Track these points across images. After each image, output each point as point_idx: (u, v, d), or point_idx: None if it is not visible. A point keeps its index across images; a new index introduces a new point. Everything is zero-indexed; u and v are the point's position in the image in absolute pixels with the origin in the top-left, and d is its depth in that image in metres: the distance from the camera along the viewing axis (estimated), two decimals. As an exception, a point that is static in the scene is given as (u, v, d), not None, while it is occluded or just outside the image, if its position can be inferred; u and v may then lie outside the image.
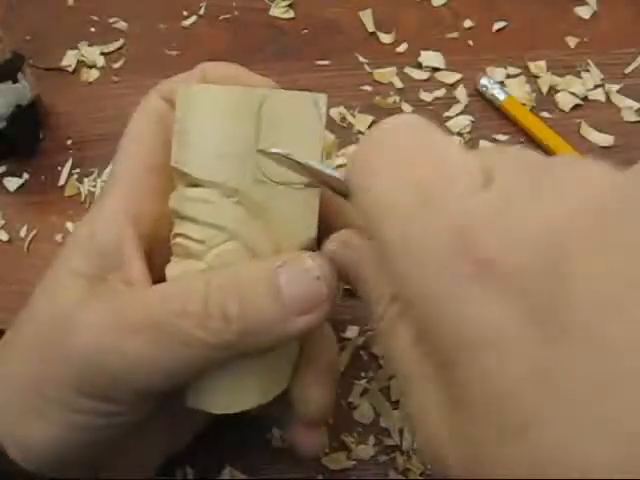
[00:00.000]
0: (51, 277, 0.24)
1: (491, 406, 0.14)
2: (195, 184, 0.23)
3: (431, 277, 0.16)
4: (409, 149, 0.18)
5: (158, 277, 0.24)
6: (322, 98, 0.23)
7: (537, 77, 0.45)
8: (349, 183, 0.20)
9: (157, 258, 0.24)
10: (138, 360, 0.21)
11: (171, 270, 0.23)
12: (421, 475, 0.32)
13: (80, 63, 0.47)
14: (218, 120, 0.23)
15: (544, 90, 0.44)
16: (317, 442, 0.27)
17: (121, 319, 0.21)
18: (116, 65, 0.47)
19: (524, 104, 0.44)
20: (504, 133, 0.43)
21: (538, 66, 0.45)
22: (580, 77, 0.45)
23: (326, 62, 0.46)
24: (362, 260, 0.21)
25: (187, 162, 0.23)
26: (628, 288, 0.13)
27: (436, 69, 0.46)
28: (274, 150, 0.22)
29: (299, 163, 0.22)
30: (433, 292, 0.15)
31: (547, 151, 0.41)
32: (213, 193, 0.23)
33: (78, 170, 0.43)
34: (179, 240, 0.23)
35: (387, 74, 0.45)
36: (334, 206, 0.25)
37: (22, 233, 0.40)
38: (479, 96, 0.45)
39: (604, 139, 0.42)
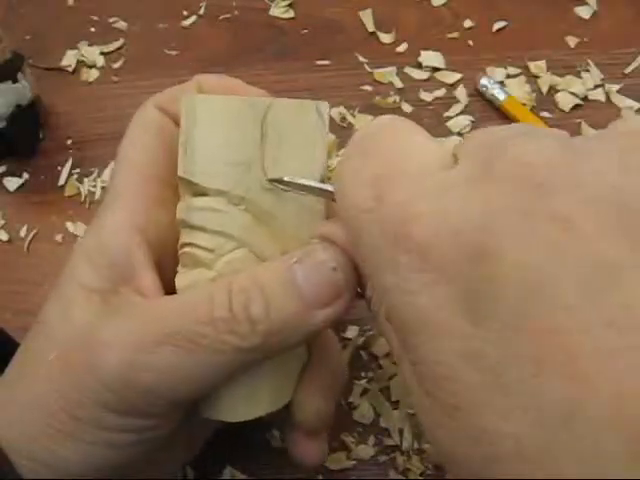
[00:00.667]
0: (63, 293, 0.24)
1: (435, 387, 0.15)
2: (202, 193, 0.23)
3: (379, 268, 0.17)
4: (372, 150, 0.19)
5: (167, 288, 0.24)
6: (324, 105, 0.24)
7: (537, 77, 0.45)
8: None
9: (164, 269, 0.24)
10: (169, 372, 0.21)
11: (181, 280, 0.24)
12: (421, 475, 0.32)
13: (80, 63, 0.47)
14: (224, 129, 0.23)
15: (544, 90, 0.44)
16: (317, 451, 0.27)
17: (146, 333, 0.21)
18: (116, 65, 0.47)
19: (524, 104, 0.44)
20: (504, 133, 0.43)
21: (538, 66, 0.45)
22: (580, 77, 0.45)
23: (326, 62, 0.46)
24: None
25: (194, 172, 0.23)
26: (549, 263, 0.13)
27: (436, 69, 0.46)
28: (277, 177, 0.23)
29: (306, 185, 0.23)
30: (384, 283, 0.17)
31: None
32: (220, 201, 0.23)
33: (78, 170, 0.43)
34: (187, 250, 0.23)
35: (387, 74, 0.45)
36: None
37: (22, 233, 0.40)
38: (479, 96, 0.45)
39: (604, 139, 0.42)
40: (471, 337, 0.14)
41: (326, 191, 0.22)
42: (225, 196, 0.23)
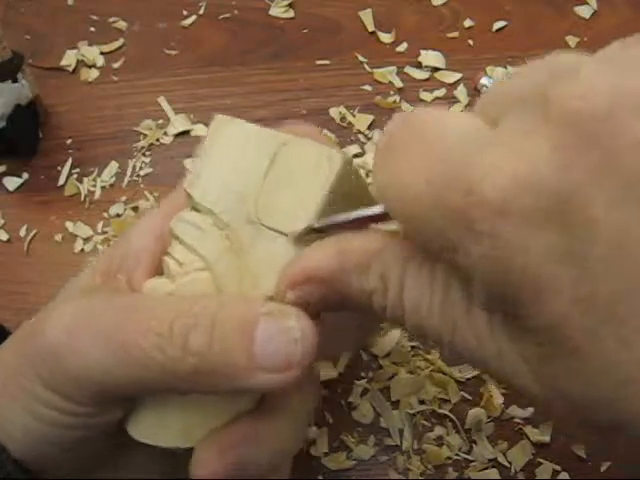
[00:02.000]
0: (76, 276, 0.25)
1: (547, 337, 0.15)
2: (196, 209, 0.23)
3: (459, 246, 0.16)
4: (415, 142, 0.18)
5: None
6: (337, 157, 0.22)
7: (537, 77, 0.45)
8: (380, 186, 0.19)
9: None
10: (94, 367, 0.21)
11: (146, 285, 0.24)
12: (421, 475, 0.32)
13: (80, 63, 0.47)
14: (235, 154, 0.23)
15: (544, 90, 0.44)
16: None
17: (88, 322, 0.21)
18: (116, 65, 0.47)
19: (524, 104, 0.44)
20: (504, 133, 0.43)
21: (538, 66, 0.45)
22: (580, 77, 0.45)
23: (326, 62, 0.46)
24: (335, 274, 0.20)
25: (195, 185, 0.23)
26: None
27: (436, 69, 0.46)
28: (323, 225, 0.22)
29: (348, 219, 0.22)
30: (471, 258, 0.16)
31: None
32: (206, 221, 0.23)
33: (78, 170, 0.43)
34: (165, 258, 0.24)
35: (387, 74, 0.45)
36: None
37: (22, 233, 0.40)
38: (479, 96, 0.44)
39: (604, 139, 0.42)
40: (577, 283, 0.14)
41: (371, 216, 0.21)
42: (213, 217, 0.23)
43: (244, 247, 0.23)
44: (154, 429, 0.24)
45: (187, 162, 0.43)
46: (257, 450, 0.23)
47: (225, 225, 0.23)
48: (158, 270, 0.24)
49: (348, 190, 0.23)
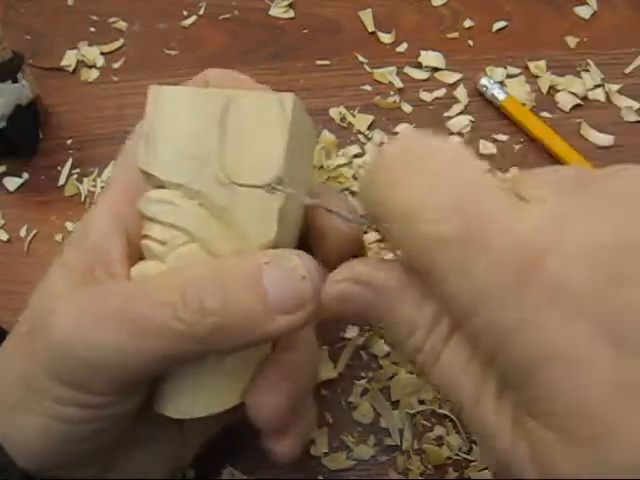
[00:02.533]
0: (48, 274, 0.25)
1: (569, 420, 0.15)
2: (161, 185, 0.23)
3: (498, 307, 0.16)
4: (427, 170, 0.18)
5: None
6: (288, 99, 0.22)
7: (537, 77, 0.45)
8: (377, 213, 0.19)
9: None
10: (109, 350, 0.21)
11: (135, 271, 0.24)
12: (421, 475, 0.32)
13: (80, 63, 0.47)
14: (183, 121, 0.23)
15: (544, 90, 0.44)
16: (286, 450, 0.26)
17: (96, 308, 0.21)
18: (116, 65, 0.47)
19: (524, 104, 0.44)
20: (504, 133, 0.43)
21: (538, 66, 0.45)
22: (580, 77, 0.45)
23: (326, 62, 0.46)
24: (386, 294, 0.20)
25: (151, 163, 0.23)
26: None
27: (436, 69, 0.46)
28: (279, 188, 0.22)
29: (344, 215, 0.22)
30: (502, 321, 0.16)
31: (547, 151, 0.41)
32: (176, 194, 0.23)
33: (78, 170, 0.43)
34: (144, 242, 0.23)
35: (387, 74, 0.45)
36: (322, 217, 0.25)
37: (22, 233, 0.40)
38: (479, 96, 0.45)
39: (604, 139, 0.42)
40: (619, 367, 0.14)
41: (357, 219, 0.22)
42: (181, 189, 0.23)
43: (220, 208, 0.23)
44: (187, 403, 0.24)
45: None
46: (294, 380, 0.25)
47: (195, 193, 0.22)
48: (133, 253, 0.24)
49: (300, 126, 0.23)
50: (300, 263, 0.21)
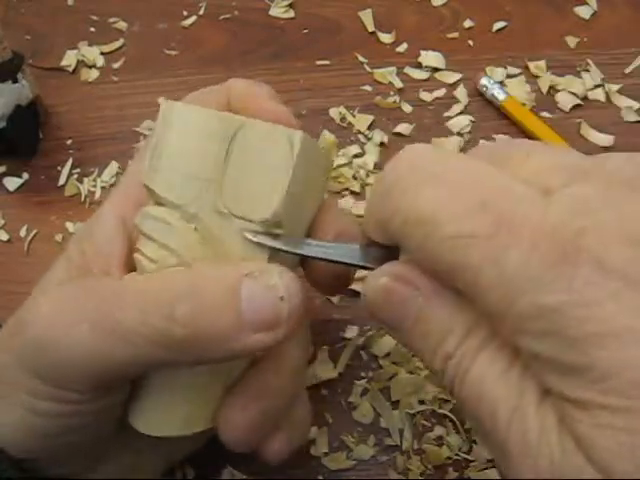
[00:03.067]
0: (50, 268, 0.25)
1: (625, 396, 0.15)
2: (160, 203, 0.23)
3: (541, 290, 0.16)
4: (446, 175, 0.18)
5: None
6: (297, 136, 0.22)
7: (537, 77, 0.45)
8: (394, 224, 0.19)
9: None
10: (82, 350, 0.21)
11: (126, 279, 0.24)
12: (421, 475, 0.32)
13: (80, 63, 0.47)
14: (190, 141, 0.22)
15: (544, 90, 0.44)
16: (272, 454, 0.26)
17: (72, 306, 0.21)
18: (116, 65, 0.47)
19: (524, 104, 0.44)
20: (504, 133, 0.43)
21: (538, 66, 0.45)
22: (580, 77, 0.45)
23: (326, 62, 0.46)
24: (419, 296, 0.19)
25: (154, 178, 0.23)
26: None
27: (436, 69, 0.46)
28: (254, 239, 0.22)
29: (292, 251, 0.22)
30: (549, 302, 0.16)
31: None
32: (173, 214, 0.22)
33: (78, 170, 0.43)
34: (136, 255, 0.23)
35: (387, 74, 0.45)
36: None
37: (22, 233, 0.40)
38: (479, 96, 0.45)
39: (604, 139, 0.42)
40: None
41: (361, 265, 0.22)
42: (179, 210, 0.22)
43: (214, 236, 0.22)
44: (157, 421, 0.24)
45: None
46: (272, 396, 0.24)
47: (192, 216, 0.22)
48: (131, 259, 0.24)
49: (308, 164, 0.23)
50: (280, 283, 0.21)
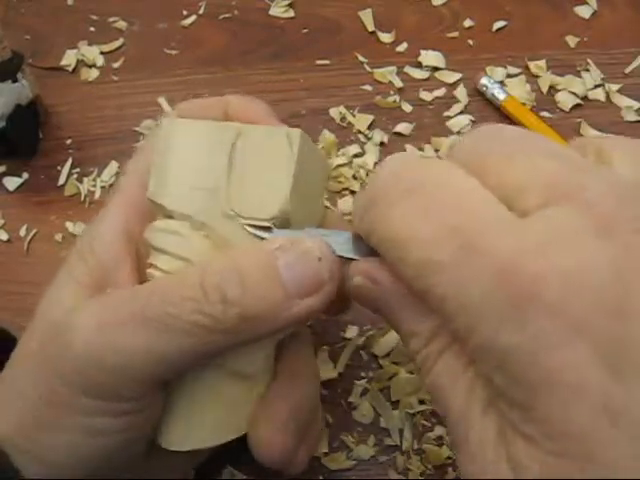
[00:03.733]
0: (56, 287, 0.24)
1: (562, 445, 0.15)
2: (169, 216, 0.23)
3: (496, 329, 0.16)
4: (421, 193, 0.18)
5: None
6: (295, 133, 0.23)
7: (537, 77, 0.45)
8: (371, 242, 0.20)
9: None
10: (136, 353, 0.21)
11: None
12: (421, 475, 0.32)
13: (80, 62, 0.47)
14: (193, 154, 0.23)
15: (544, 90, 0.44)
16: (295, 468, 0.26)
17: (113, 315, 0.21)
18: (116, 64, 0.47)
19: (524, 104, 0.44)
20: (504, 133, 0.43)
21: (538, 66, 0.45)
22: (580, 77, 0.45)
23: (326, 62, 0.46)
24: (389, 297, 0.20)
25: (161, 194, 0.23)
26: None
27: (436, 69, 0.46)
28: (256, 233, 0.22)
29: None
30: (499, 343, 0.16)
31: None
32: (184, 225, 0.23)
33: (78, 170, 0.43)
34: (150, 270, 0.23)
35: (387, 74, 0.45)
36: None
37: (22, 233, 0.40)
38: (479, 96, 0.45)
39: (604, 139, 0.42)
40: (612, 393, 0.14)
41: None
42: (188, 220, 0.23)
43: (226, 240, 0.23)
44: (186, 435, 0.24)
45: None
46: (301, 408, 0.25)
47: (202, 225, 0.23)
48: (142, 267, 0.24)
49: (308, 161, 0.23)
50: (313, 246, 0.21)
